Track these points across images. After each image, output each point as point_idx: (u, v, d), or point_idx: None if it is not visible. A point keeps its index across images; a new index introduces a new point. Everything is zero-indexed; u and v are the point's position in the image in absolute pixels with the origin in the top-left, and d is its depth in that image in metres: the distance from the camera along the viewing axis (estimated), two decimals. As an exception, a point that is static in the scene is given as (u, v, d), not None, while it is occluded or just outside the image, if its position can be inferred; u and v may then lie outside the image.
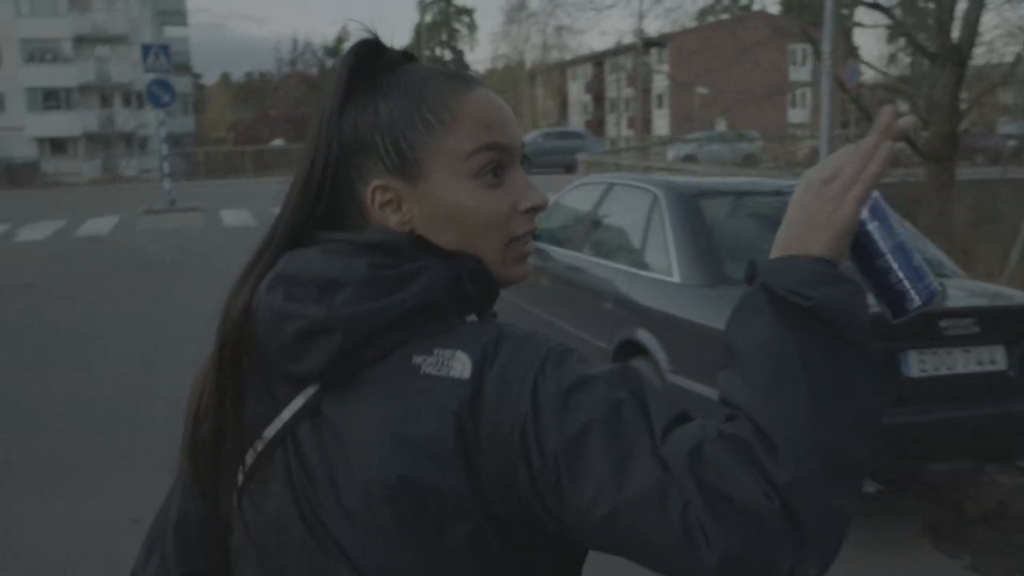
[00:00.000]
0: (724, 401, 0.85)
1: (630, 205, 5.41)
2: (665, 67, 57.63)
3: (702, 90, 43.47)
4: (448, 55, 70.73)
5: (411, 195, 0.94)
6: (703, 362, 4.35)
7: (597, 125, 62.79)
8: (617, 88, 64.90)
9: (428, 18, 71.80)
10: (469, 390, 0.85)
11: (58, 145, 53.88)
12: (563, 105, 69.94)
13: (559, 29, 63.35)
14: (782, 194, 5.13)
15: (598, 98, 68.63)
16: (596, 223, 5.86)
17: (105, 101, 53.42)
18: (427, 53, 71.75)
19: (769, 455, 0.79)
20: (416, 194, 0.94)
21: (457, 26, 72.50)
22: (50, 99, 54.16)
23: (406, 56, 1.01)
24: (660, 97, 59.20)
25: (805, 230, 0.87)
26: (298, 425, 0.93)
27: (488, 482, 0.84)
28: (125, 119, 51.87)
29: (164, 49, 19.49)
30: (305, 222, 0.96)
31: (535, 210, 0.98)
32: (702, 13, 72.33)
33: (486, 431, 0.84)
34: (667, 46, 57.01)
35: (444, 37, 70.96)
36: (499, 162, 0.96)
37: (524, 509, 0.85)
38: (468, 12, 72.81)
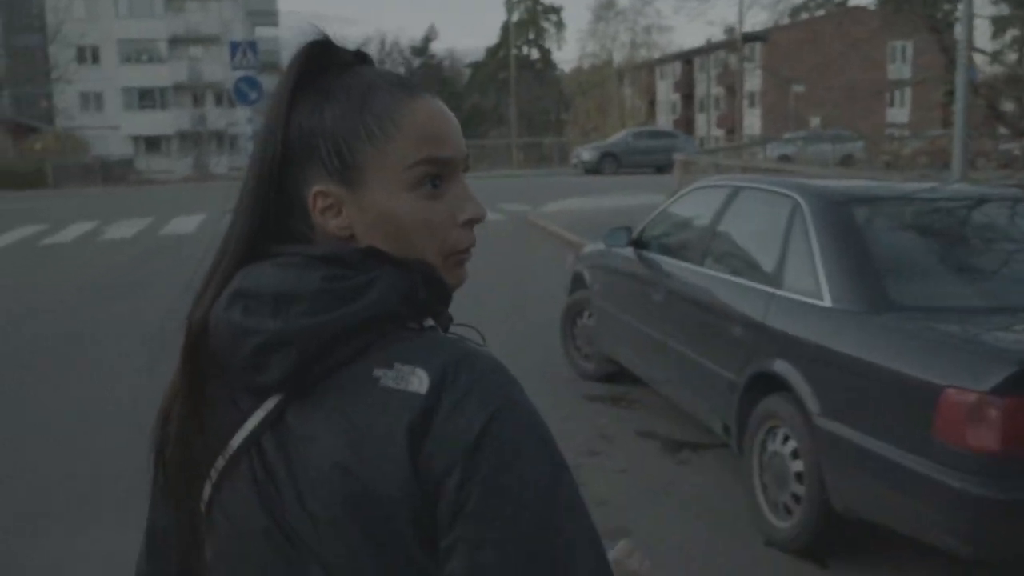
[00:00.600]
0: None
1: (763, 213, 4.68)
2: (758, 64, 56.12)
3: (798, 87, 42.30)
4: (535, 53, 70.12)
5: (351, 201, 0.95)
6: (860, 404, 3.62)
7: (686, 124, 61.50)
8: (707, 86, 63.52)
9: (516, 16, 71.37)
10: (423, 404, 0.87)
11: (152, 143, 55.06)
12: (651, 104, 68.75)
13: (648, 27, 62.91)
14: (955, 201, 4.34)
15: (687, 97, 67.31)
16: (720, 233, 5.13)
17: (197, 100, 54.42)
18: (514, 51, 71.35)
19: None
20: (356, 200, 0.95)
21: (544, 24, 71.75)
22: (145, 98, 55.39)
23: (358, 57, 1.01)
24: (752, 95, 57.60)
25: None
26: (262, 434, 0.94)
27: (425, 487, 0.87)
28: (216, 118, 52.68)
29: (251, 46, 19.28)
30: (257, 232, 0.96)
31: (473, 222, 0.99)
32: (795, 10, 70.25)
33: (429, 446, 0.86)
34: (765, 41, 55.51)
35: (531, 35, 70.33)
36: (438, 174, 0.96)
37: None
38: (556, 10, 72.00)
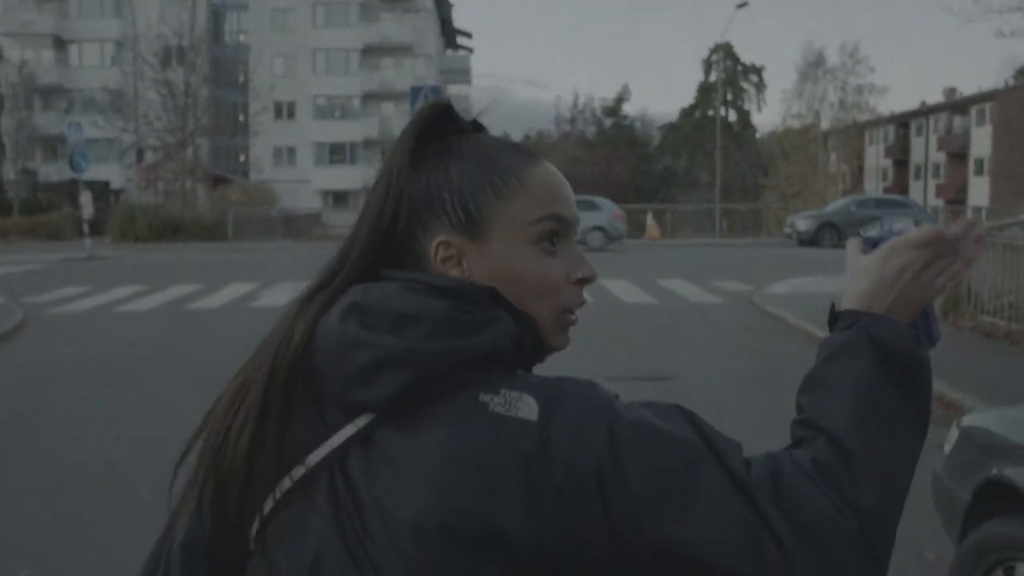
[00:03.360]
0: (805, 422, 0.97)
1: None
2: (988, 128, 50.44)
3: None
4: (733, 115, 66.53)
5: (472, 252, 0.98)
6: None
7: (898, 192, 56.06)
8: (925, 151, 57.97)
9: (713, 77, 68.15)
10: (537, 433, 0.87)
11: (340, 198, 54.92)
12: (859, 170, 63.58)
13: (860, 87, 58.08)
14: None
15: (900, 163, 61.82)
16: None
17: (385, 156, 53.83)
18: (710, 113, 68.07)
19: (852, 477, 0.90)
20: (477, 252, 0.98)
21: (744, 85, 68.19)
22: (336, 153, 55.47)
23: (476, 126, 1.07)
24: (980, 162, 51.82)
25: (893, 298, 1.02)
26: (348, 452, 0.92)
27: (549, 521, 0.86)
28: (403, 174, 51.90)
29: (435, 92, 17.03)
30: (369, 263, 0.99)
31: (585, 281, 1.02)
32: (1020, 72, 63.50)
33: (558, 472, 0.86)
34: (994, 100, 49.94)
35: (729, 96, 66.87)
36: (557, 232, 1.00)
37: (580, 547, 0.86)
38: (757, 71, 68.36)
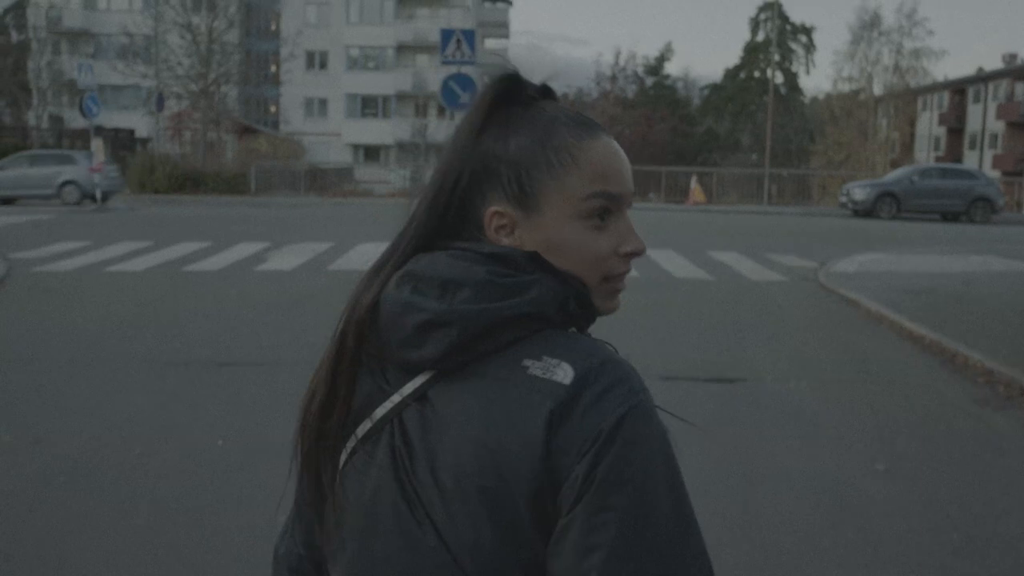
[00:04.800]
0: None
1: None
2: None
3: None
4: (779, 77, 63.95)
5: (524, 223, 1.03)
6: None
7: (952, 162, 53.60)
8: (982, 120, 55.31)
9: (761, 36, 65.52)
10: (566, 394, 0.94)
11: (371, 152, 53.39)
12: (910, 137, 60.97)
13: (916, 51, 55.40)
14: None
15: (954, 131, 59.16)
16: None
17: (419, 110, 52.07)
18: (756, 75, 65.59)
19: None
20: (529, 223, 1.03)
21: (793, 46, 65.46)
22: (368, 106, 53.83)
23: (544, 92, 1.09)
24: (1042, 133, 49.24)
25: None
26: (405, 408, 1.02)
27: (552, 471, 0.94)
28: (435, 129, 50.16)
29: (468, 36, 15.36)
30: (431, 233, 1.05)
31: (633, 255, 1.07)
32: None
33: (565, 434, 0.93)
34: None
35: (777, 57, 64.28)
36: (608, 208, 1.04)
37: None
38: (807, 31, 65.57)
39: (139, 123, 43.45)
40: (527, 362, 0.97)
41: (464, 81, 15.20)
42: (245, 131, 44.26)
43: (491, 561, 0.96)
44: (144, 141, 44.37)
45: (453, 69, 15.49)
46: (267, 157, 36.56)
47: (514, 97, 1.07)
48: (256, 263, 13.02)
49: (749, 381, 7.03)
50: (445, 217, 1.05)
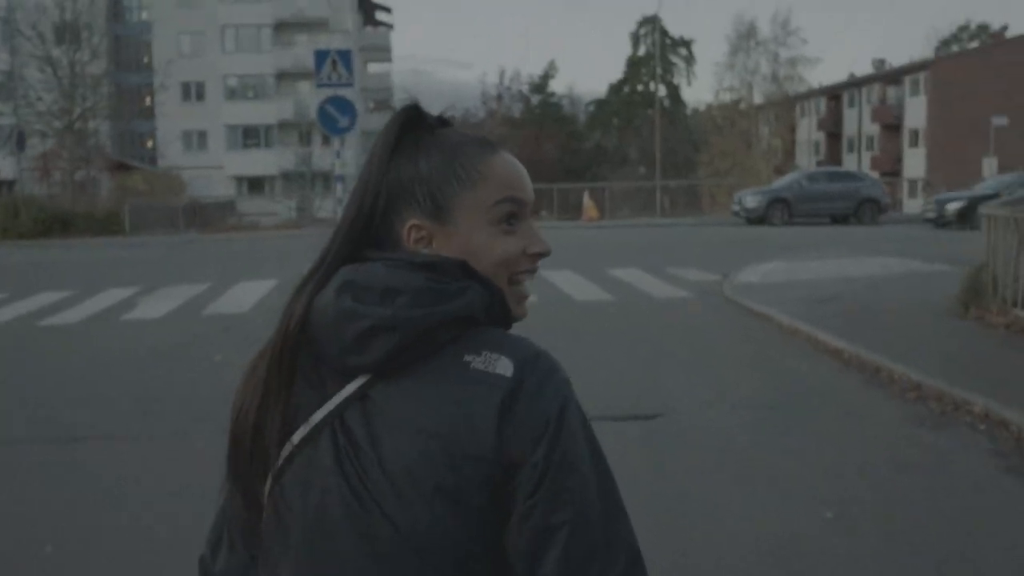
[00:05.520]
0: None
1: None
2: (923, 98, 49.42)
3: (1000, 121, 35.72)
4: (662, 90, 64.72)
5: (440, 234, 1.13)
6: None
7: (832, 165, 54.91)
8: (858, 124, 56.94)
9: (642, 51, 66.30)
10: (511, 385, 1.04)
11: (255, 184, 51.79)
12: (792, 144, 62.39)
13: (793, 59, 56.67)
14: None
15: (832, 135, 60.77)
16: None
17: (303, 138, 50.66)
18: (640, 88, 66.21)
19: None
20: (444, 233, 1.13)
21: (673, 59, 66.44)
22: (249, 136, 52.21)
23: (442, 121, 1.20)
24: (915, 133, 50.84)
25: None
26: (346, 409, 1.07)
27: (506, 457, 1.03)
28: (320, 157, 48.92)
29: (344, 57, 14.49)
30: (355, 247, 1.14)
31: (541, 255, 1.17)
32: (944, 44, 63.01)
33: (517, 420, 1.03)
34: (927, 70, 48.86)
35: (659, 70, 65.11)
36: (514, 213, 1.15)
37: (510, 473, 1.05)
38: (686, 44, 66.66)
39: (5, 165, 41.04)
40: (468, 357, 1.06)
41: (342, 105, 14.35)
42: (119, 168, 42.25)
43: (448, 543, 1.03)
44: (9, 183, 41.89)
45: (330, 92, 14.62)
46: (144, 194, 34.82)
47: (418, 124, 1.17)
48: (122, 312, 11.86)
49: (668, 415, 6.39)
50: (367, 232, 1.14)
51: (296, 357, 1.10)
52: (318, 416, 1.08)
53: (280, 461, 1.10)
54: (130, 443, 6.04)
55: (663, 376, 7.58)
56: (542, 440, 1.03)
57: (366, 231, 1.14)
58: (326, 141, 49.56)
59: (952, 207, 24.50)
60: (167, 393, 7.28)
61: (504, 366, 1.05)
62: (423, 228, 1.12)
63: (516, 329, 1.16)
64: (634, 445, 5.73)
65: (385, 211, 1.13)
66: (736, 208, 27.30)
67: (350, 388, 1.07)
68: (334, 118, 14.27)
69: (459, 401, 1.03)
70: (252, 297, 12.57)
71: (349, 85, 14.36)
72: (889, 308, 10.16)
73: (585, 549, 1.03)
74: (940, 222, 24.48)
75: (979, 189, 24.78)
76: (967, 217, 23.17)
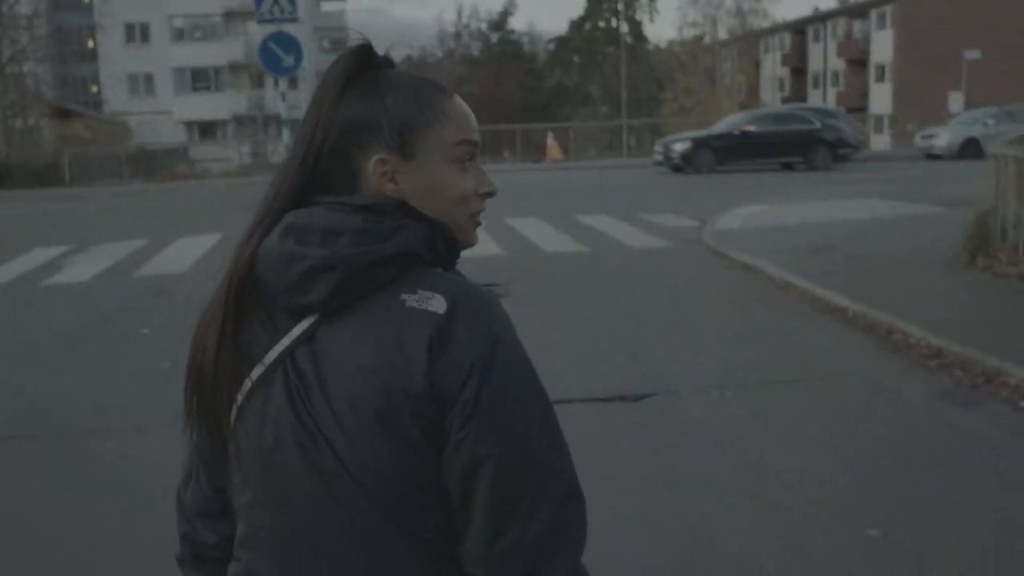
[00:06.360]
0: None
1: None
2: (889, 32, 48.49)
3: (973, 55, 34.74)
4: (624, 26, 63.20)
5: (405, 169, 1.16)
6: None
7: (797, 102, 54.06)
8: (823, 59, 55.99)
9: (602, -16, 64.50)
10: (442, 321, 1.07)
11: (207, 129, 49.89)
12: (756, 80, 61.33)
13: (756, -8, 55.43)
14: None
15: (797, 71, 59.83)
16: None
17: (254, 81, 48.75)
18: (602, 25, 64.63)
19: None
20: (408, 169, 1.16)
21: (636, -7, 64.72)
22: (199, 80, 50.19)
23: (388, 62, 1.22)
24: (881, 68, 50.02)
25: None
26: (296, 348, 1.12)
27: (437, 392, 1.07)
28: (273, 100, 47.17)
29: (285, -11, 13.20)
30: (302, 190, 1.16)
31: (488, 194, 1.22)
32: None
33: (447, 356, 1.06)
34: (896, 3, 47.81)
35: (620, 6, 63.48)
36: (471, 153, 1.20)
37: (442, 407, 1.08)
38: (648, -23, 64.91)
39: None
40: (404, 296, 1.09)
41: (286, 41, 13.13)
42: (62, 115, 40.29)
43: (389, 477, 1.08)
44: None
45: (273, 28, 13.38)
46: (88, 142, 33.13)
47: (367, 64, 1.19)
48: (46, 275, 10.73)
49: (660, 395, 5.51)
50: (313, 175, 1.15)
51: (243, 300, 1.14)
52: (271, 356, 1.12)
53: (240, 398, 1.15)
54: (23, 446, 5.05)
55: (648, 345, 6.68)
56: (471, 376, 1.06)
57: (315, 170, 1.15)
58: (278, 82, 48.15)
59: (678, 148, 23.38)
60: (74, 384, 6.27)
61: (437, 303, 1.08)
62: (388, 162, 1.15)
63: (480, 279, 1.18)
64: (620, 434, 4.86)
65: (341, 148, 1.15)
66: (658, 157, 25.07)
67: (298, 328, 1.11)
68: (277, 56, 13.05)
69: (394, 338, 1.07)
70: (192, 255, 11.47)
71: (293, 20, 13.11)
72: (887, 257, 9.34)
73: (514, 483, 1.07)
74: (669, 164, 23.54)
75: (759, 126, 23.52)
76: (691, 160, 22.79)
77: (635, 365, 6.18)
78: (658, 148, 24.72)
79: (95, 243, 13.08)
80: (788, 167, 23.50)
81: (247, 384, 1.14)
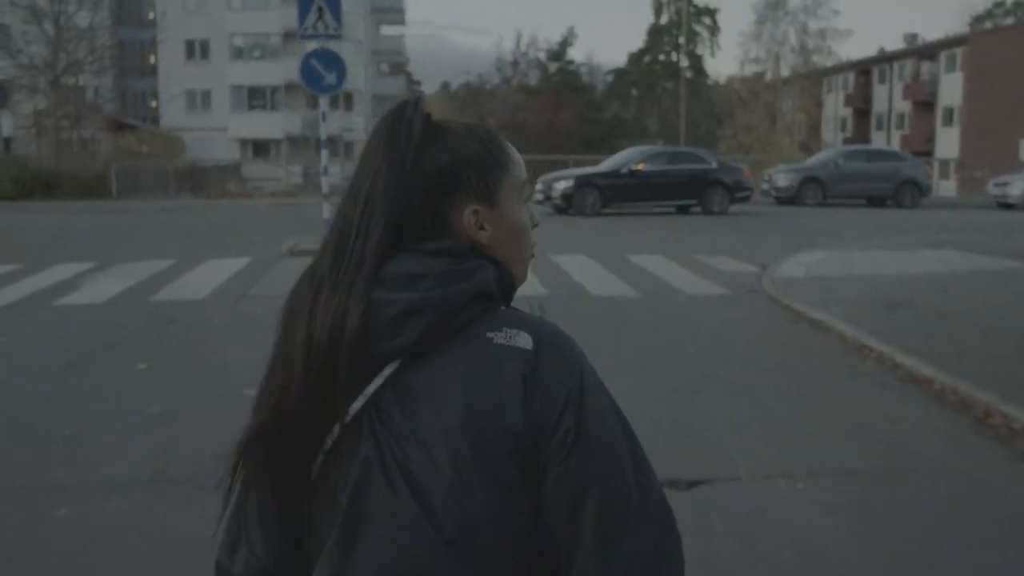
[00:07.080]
0: None
1: None
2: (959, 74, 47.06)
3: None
4: (684, 60, 62.39)
5: (490, 216, 1.19)
6: None
7: (860, 143, 52.61)
8: (888, 100, 54.56)
9: (665, 19, 63.89)
10: (531, 357, 1.10)
11: (260, 147, 49.93)
12: (817, 119, 60.04)
13: (822, 31, 54.38)
14: None
15: (861, 112, 58.42)
16: None
17: (310, 101, 48.66)
18: (661, 58, 63.89)
19: None
20: (493, 215, 1.19)
21: (697, 28, 63.99)
22: (255, 98, 50.27)
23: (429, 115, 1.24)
24: (949, 111, 48.53)
25: None
26: (381, 396, 1.11)
27: (532, 426, 1.08)
28: (330, 121, 47.03)
29: (332, 5, 12.60)
30: (391, 244, 1.14)
31: (536, 225, 1.27)
32: (978, 20, 60.32)
33: (540, 391, 1.09)
34: (965, 45, 46.43)
35: (681, 40, 62.70)
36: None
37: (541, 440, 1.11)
38: (711, 12, 64.15)
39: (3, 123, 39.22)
40: (490, 334, 1.11)
41: (328, 59, 12.51)
42: (119, 128, 40.39)
43: (482, 524, 1.08)
44: (7, 141, 40.09)
45: (315, 44, 12.78)
46: (141, 156, 33.03)
47: (414, 117, 1.19)
48: (61, 294, 10.12)
49: (716, 482, 4.63)
50: (406, 226, 1.15)
51: (357, 359, 1.10)
52: (357, 405, 1.10)
53: (326, 450, 1.12)
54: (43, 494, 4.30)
55: (703, 413, 5.80)
56: (567, 408, 1.09)
57: (407, 223, 1.15)
58: (334, 104, 47.92)
59: (559, 187, 20.71)
60: (48, 427, 5.54)
61: (524, 340, 1.11)
62: (479, 212, 1.17)
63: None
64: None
65: (430, 203, 1.16)
66: (766, 187, 25.30)
67: (384, 375, 1.10)
68: (319, 74, 12.43)
69: (485, 376, 1.09)
70: (215, 280, 10.81)
71: (337, 37, 12.49)
72: (974, 318, 8.33)
73: (620, 504, 1.09)
74: (550, 204, 20.77)
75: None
76: (572, 199, 20.23)
77: (688, 439, 5.30)
78: (539, 186, 21.46)
79: (120, 261, 12.51)
80: (683, 210, 21.42)
81: (335, 432, 1.11)
